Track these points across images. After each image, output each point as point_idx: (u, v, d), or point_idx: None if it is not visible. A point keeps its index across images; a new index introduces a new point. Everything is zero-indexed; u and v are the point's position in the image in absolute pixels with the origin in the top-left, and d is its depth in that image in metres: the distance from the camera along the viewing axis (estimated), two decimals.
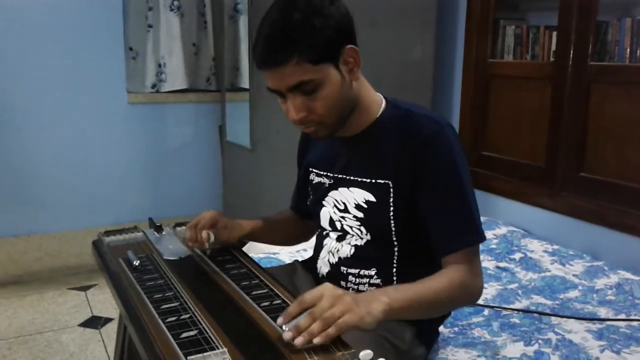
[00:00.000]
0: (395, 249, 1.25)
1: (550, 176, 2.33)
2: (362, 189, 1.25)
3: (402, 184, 1.20)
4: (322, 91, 1.12)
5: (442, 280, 1.14)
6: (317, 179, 1.36)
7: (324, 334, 0.91)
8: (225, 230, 1.37)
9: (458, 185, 1.18)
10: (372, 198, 1.23)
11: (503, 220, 2.47)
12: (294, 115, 1.14)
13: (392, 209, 1.21)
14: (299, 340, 0.91)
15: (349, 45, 1.15)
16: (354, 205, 1.26)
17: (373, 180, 1.23)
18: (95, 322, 2.58)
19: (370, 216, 1.24)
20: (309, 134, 1.22)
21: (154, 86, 3.16)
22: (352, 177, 1.27)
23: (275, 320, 0.99)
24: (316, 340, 0.90)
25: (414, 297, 1.08)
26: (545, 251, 2.15)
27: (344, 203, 1.28)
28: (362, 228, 1.26)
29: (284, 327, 0.94)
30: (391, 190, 1.21)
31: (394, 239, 1.24)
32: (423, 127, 1.19)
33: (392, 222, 1.22)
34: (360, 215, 1.25)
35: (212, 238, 1.33)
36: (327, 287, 0.99)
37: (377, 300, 1.01)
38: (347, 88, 1.17)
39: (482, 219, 2.42)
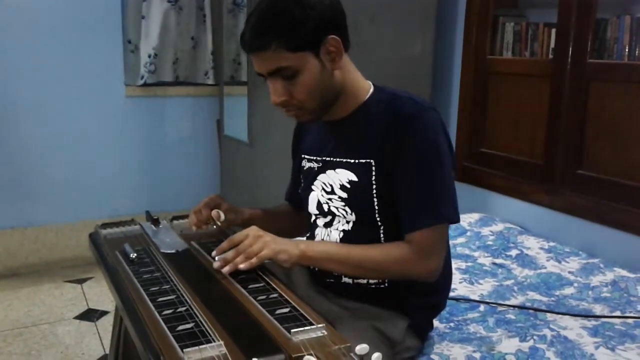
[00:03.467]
0: (381, 230, 1.27)
1: (548, 173, 2.33)
2: (346, 169, 1.28)
3: (384, 163, 1.23)
4: (301, 77, 1.19)
5: (377, 250, 1.23)
6: (307, 165, 1.39)
7: (247, 262, 1.15)
8: (228, 213, 1.40)
9: (431, 165, 1.21)
10: (354, 178, 1.26)
11: (500, 217, 2.47)
12: (275, 99, 1.23)
13: (374, 187, 1.24)
14: (226, 269, 1.15)
15: (331, 36, 1.19)
16: (339, 186, 1.29)
17: (356, 161, 1.27)
18: (91, 315, 2.58)
19: (354, 196, 1.27)
20: (297, 118, 1.29)
21: (142, 77, 3.13)
22: (337, 159, 1.30)
23: (272, 314, 1.00)
24: (241, 267, 1.15)
25: (335, 254, 1.22)
26: (541, 248, 2.16)
27: (330, 185, 1.31)
28: (347, 208, 1.28)
29: (216, 258, 1.19)
30: (373, 168, 1.24)
31: (378, 219, 1.26)
32: (406, 107, 1.23)
33: (375, 200, 1.24)
34: (345, 195, 1.28)
35: (223, 216, 1.37)
36: (252, 228, 1.21)
37: (294, 245, 1.21)
38: (328, 76, 1.22)
39: (478, 215, 2.46)
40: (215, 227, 1.40)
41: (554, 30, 2.31)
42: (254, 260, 1.15)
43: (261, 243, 1.17)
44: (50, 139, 3.01)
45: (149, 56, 3.11)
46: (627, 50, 2.08)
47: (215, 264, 1.18)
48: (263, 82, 1.25)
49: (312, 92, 1.21)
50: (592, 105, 2.17)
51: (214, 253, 1.21)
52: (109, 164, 3.18)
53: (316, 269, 1.35)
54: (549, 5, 2.34)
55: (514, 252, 2.14)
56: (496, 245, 2.21)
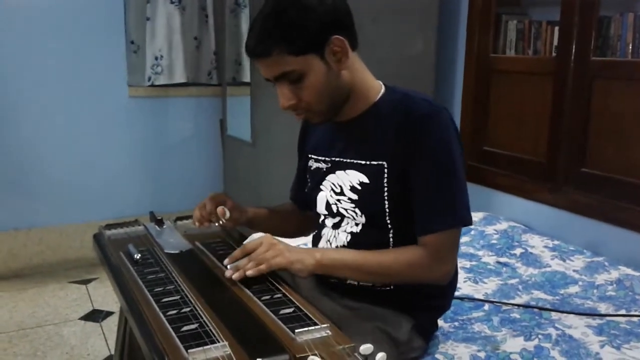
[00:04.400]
0: (390, 233, 1.26)
1: (552, 171, 2.32)
2: (357, 170, 1.27)
3: (397, 165, 1.22)
4: (307, 80, 1.18)
5: (391, 256, 1.22)
6: (315, 165, 1.38)
7: (255, 268, 1.12)
8: (233, 211, 1.39)
9: (446, 167, 1.20)
10: (366, 180, 1.25)
11: (504, 216, 2.47)
12: (283, 103, 1.21)
13: (386, 189, 1.23)
14: (235, 275, 1.12)
15: (335, 36, 1.17)
16: (349, 188, 1.27)
17: (368, 162, 1.25)
18: (96, 316, 2.59)
19: (365, 198, 1.26)
20: (306, 119, 1.27)
21: (149, 79, 3.14)
22: (348, 160, 1.29)
23: (276, 315, 1.00)
24: (248, 273, 1.12)
25: (350, 262, 1.21)
26: (545, 246, 2.15)
27: (340, 186, 1.30)
28: (357, 210, 1.27)
29: (228, 266, 1.16)
30: (385, 170, 1.23)
31: (388, 221, 1.25)
32: (419, 108, 1.22)
33: (386, 203, 1.23)
34: (355, 197, 1.27)
35: (228, 214, 1.36)
36: (266, 236, 1.19)
37: (309, 254, 1.18)
38: (335, 77, 1.20)
39: (482, 214, 2.46)
40: (218, 224, 1.39)
41: (557, 28, 2.31)
42: (263, 266, 1.13)
43: (275, 251, 1.15)
44: (53, 140, 3.02)
45: (156, 58, 3.11)
46: (630, 47, 2.08)
47: (227, 273, 1.14)
48: (272, 86, 1.23)
49: (319, 94, 1.19)
50: (596, 103, 2.16)
51: (225, 261, 1.18)
52: (112, 165, 3.19)
53: None
54: (551, 3, 2.33)
55: (518, 251, 2.14)
56: (500, 244, 2.21)
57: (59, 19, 2.93)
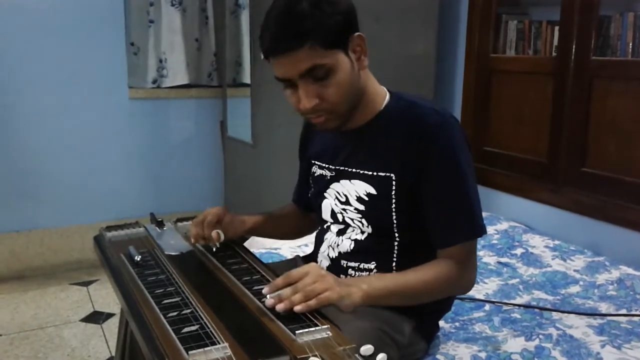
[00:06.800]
0: (396, 242, 1.25)
1: (552, 171, 2.32)
2: (364, 181, 1.25)
3: (405, 177, 1.20)
4: (335, 77, 1.13)
5: (429, 273, 1.18)
6: (319, 172, 1.36)
7: (304, 304, 0.99)
8: (230, 226, 1.37)
9: (459, 178, 1.18)
10: (373, 191, 1.23)
11: (504, 216, 2.47)
12: (306, 104, 1.14)
13: (394, 201, 1.21)
14: (280, 306, 0.98)
15: (357, 33, 1.16)
16: (356, 198, 1.26)
17: (375, 173, 1.23)
18: (96, 317, 2.59)
19: (372, 209, 1.24)
20: (315, 125, 1.22)
21: (154, 81, 3.16)
22: (353, 170, 1.27)
23: (277, 316, 0.99)
24: (297, 309, 0.98)
25: (394, 288, 1.14)
26: (546, 246, 2.15)
27: (345, 195, 1.28)
28: (364, 221, 1.26)
29: (267, 295, 1.03)
30: (393, 182, 1.21)
31: (395, 232, 1.24)
32: (427, 118, 1.19)
33: (393, 214, 1.22)
34: (362, 207, 1.25)
35: (222, 237, 1.33)
36: (313, 266, 1.07)
37: (356, 287, 1.08)
38: (357, 76, 1.18)
39: (484, 214, 2.44)
40: (218, 244, 1.36)
41: (557, 28, 2.31)
42: (312, 302, 0.99)
43: (324, 284, 1.02)
44: (54, 142, 3.02)
45: (161, 60, 3.12)
46: (630, 47, 2.08)
47: (268, 302, 1.01)
48: (281, 89, 1.18)
49: (345, 92, 1.15)
50: (596, 102, 2.16)
51: (265, 290, 1.05)
52: (113, 166, 3.19)
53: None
54: (552, 3, 2.33)
55: (519, 251, 2.14)
56: (501, 244, 2.21)
57: (59, 20, 2.94)
